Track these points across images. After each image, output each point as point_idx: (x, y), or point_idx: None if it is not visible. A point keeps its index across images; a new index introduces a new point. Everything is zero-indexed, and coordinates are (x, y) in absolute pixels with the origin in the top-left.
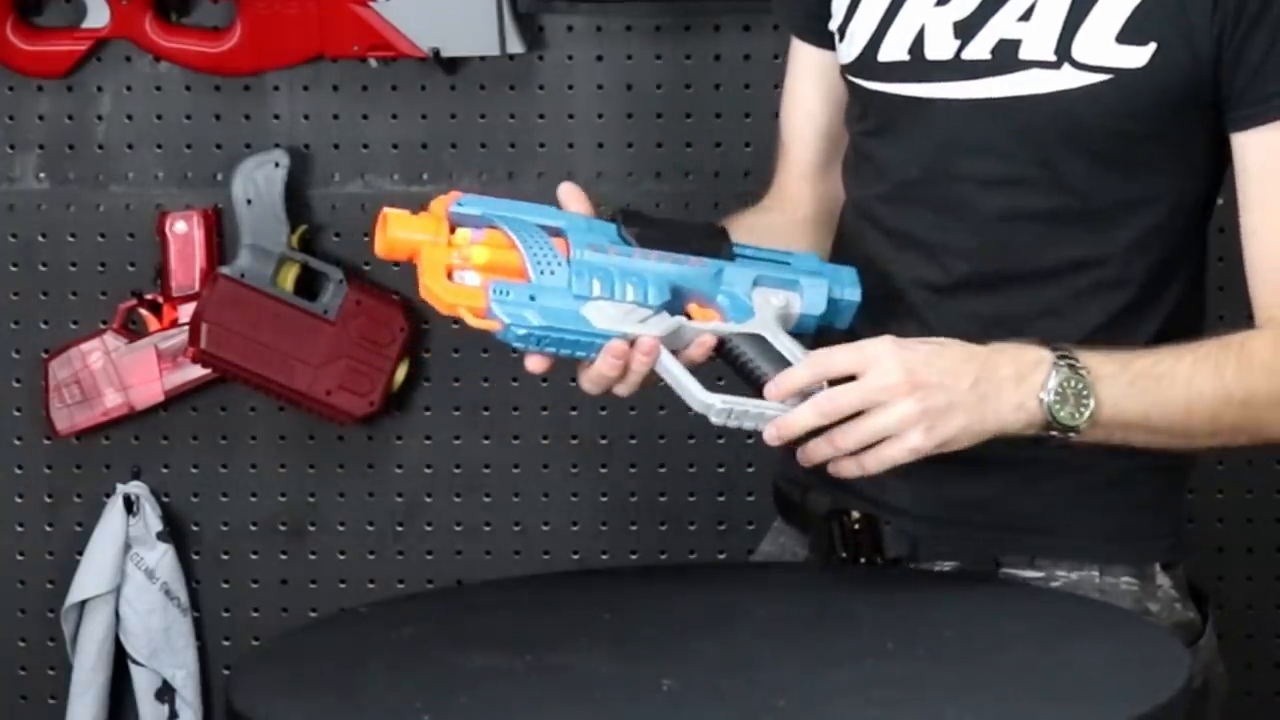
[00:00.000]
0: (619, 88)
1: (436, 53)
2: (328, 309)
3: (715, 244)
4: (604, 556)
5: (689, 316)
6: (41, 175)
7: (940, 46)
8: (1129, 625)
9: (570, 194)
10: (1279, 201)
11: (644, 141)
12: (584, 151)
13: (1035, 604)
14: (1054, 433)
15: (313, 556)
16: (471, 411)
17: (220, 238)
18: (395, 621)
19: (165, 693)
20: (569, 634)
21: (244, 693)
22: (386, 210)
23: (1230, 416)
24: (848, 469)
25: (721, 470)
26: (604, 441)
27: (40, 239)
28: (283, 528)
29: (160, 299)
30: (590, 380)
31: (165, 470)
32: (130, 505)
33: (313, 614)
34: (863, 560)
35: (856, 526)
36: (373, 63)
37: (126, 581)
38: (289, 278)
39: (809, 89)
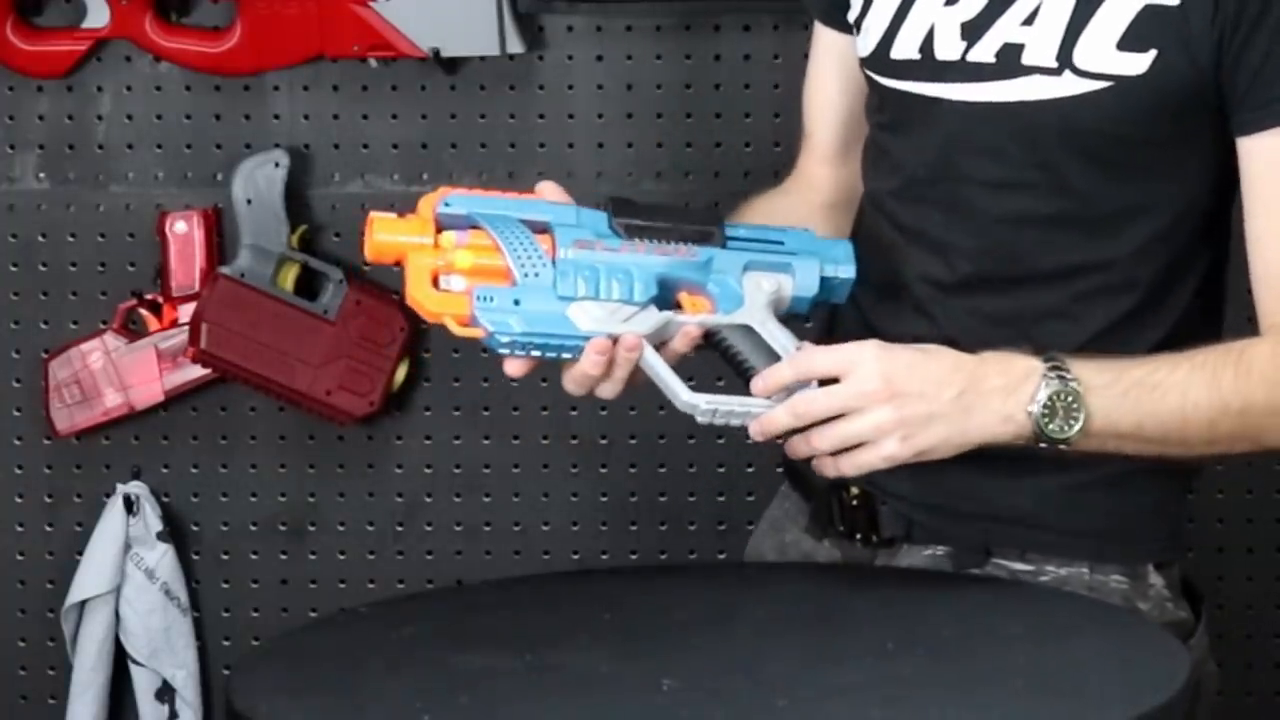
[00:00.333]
0: (619, 88)
1: (436, 53)
2: (328, 309)
3: (707, 229)
4: (604, 556)
5: (679, 305)
6: (41, 175)
7: (949, 47)
8: (1129, 625)
9: (551, 193)
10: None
11: (644, 141)
12: (584, 151)
13: (1035, 604)
14: (1043, 444)
15: (313, 556)
16: (471, 411)
17: (220, 238)
18: (395, 621)
19: (165, 693)
20: (569, 634)
21: (244, 693)
22: (373, 214)
23: (1227, 426)
24: (827, 469)
25: (721, 470)
26: (604, 441)
27: (40, 239)
28: (283, 528)
29: (160, 299)
30: (573, 380)
31: (165, 470)
32: (130, 505)
33: (313, 614)
34: (859, 537)
35: (854, 503)
36: (373, 63)
37: (126, 581)
38: (289, 278)
39: (830, 74)
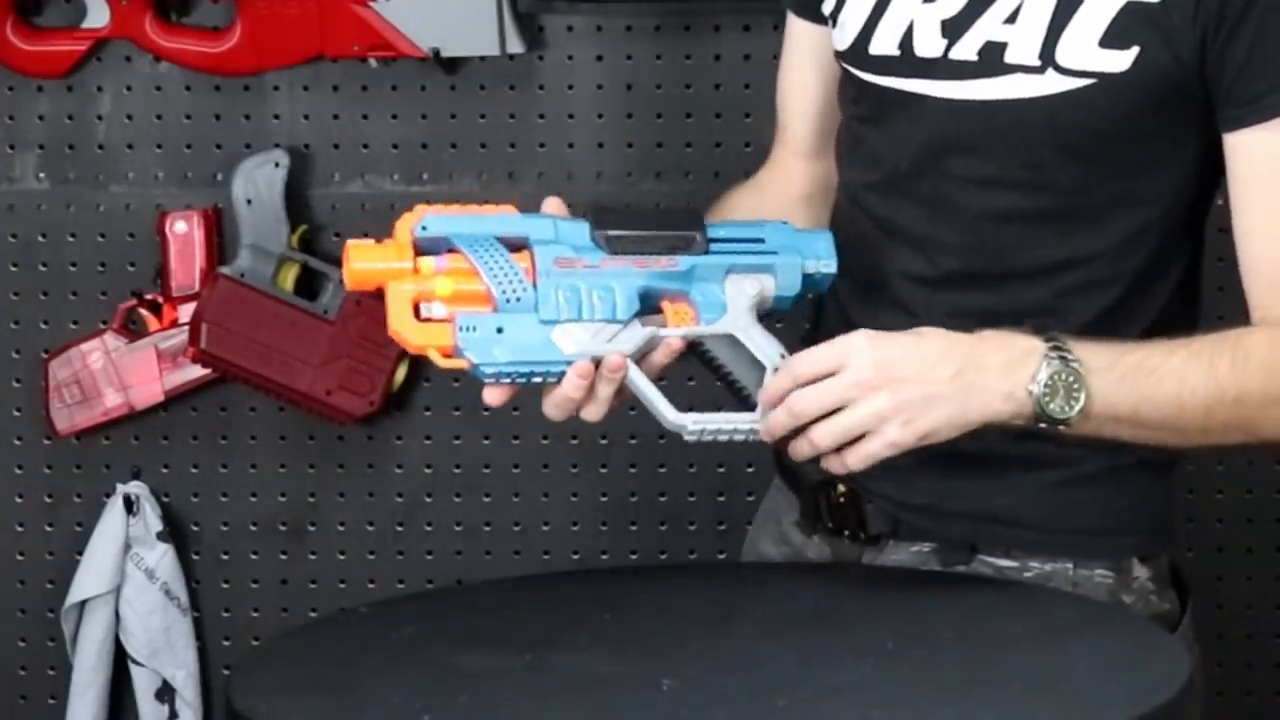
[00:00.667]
0: (619, 88)
1: (436, 53)
2: (328, 309)
3: (689, 235)
4: (604, 556)
5: (661, 312)
6: (41, 175)
7: (929, 44)
8: (1129, 625)
9: (555, 209)
10: (1271, 203)
11: (644, 141)
12: (584, 151)
13: (1035, 604)
14: (1043, 425)
15: (313, 556)
16: (471, 411)
17: (220, 238)
18: (395, 621)
19: (165, 693)
20: (569, 634)
21: (244, 693)
22: (349, 242)
23: (1223, 413)
24: (834, 466)
25: (721, 470)
26: (604, 441)
27: (40, 239)
28: (283, 528)
29: (160, 299)
30: (554, 404)
31: (165, 470)
32: (130, 505)
33: (313, 614)
34: (846, 533)
35: (841, 500)
36: (373, 63)
37: (126, 581)
38: (289, 278)
39: (805, 66)
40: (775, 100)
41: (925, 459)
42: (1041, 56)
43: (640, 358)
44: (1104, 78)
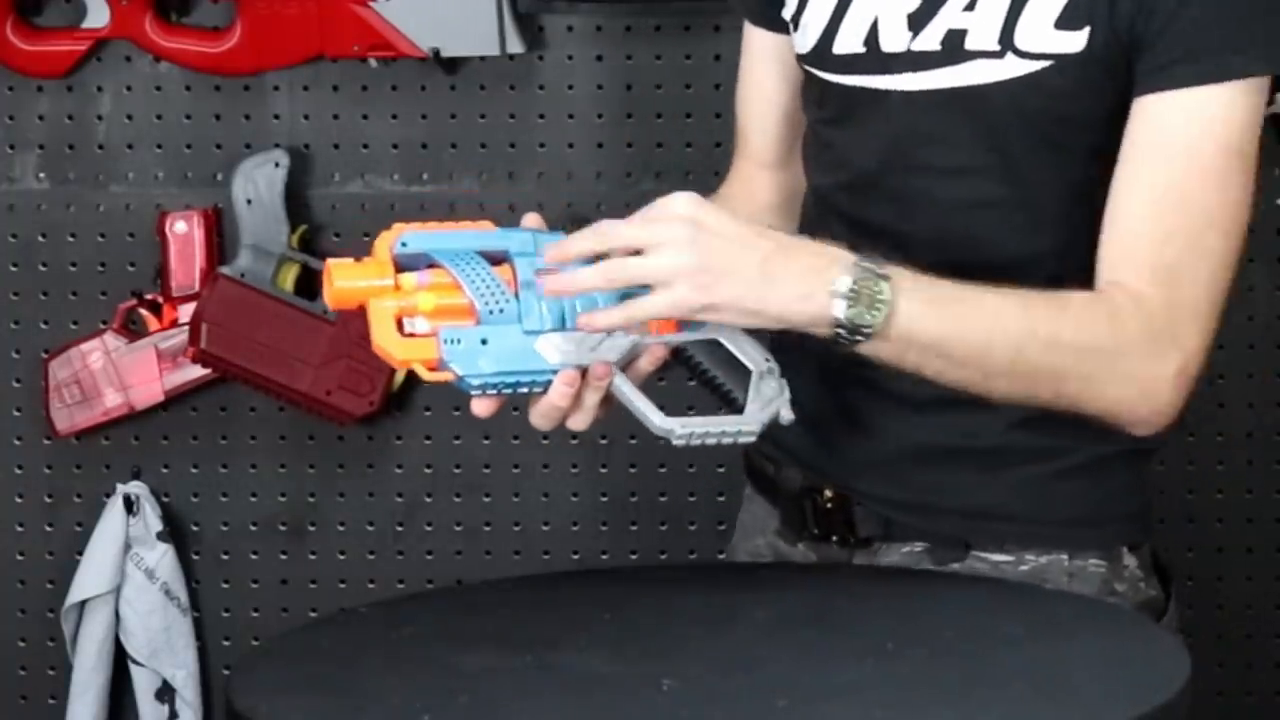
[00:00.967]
0: (619, 88)
1: (436, 53)
2: (328, 309)
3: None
4: (604, 556)
5: (644, 322)
6: (41, 175)
7: (894, 38)
8: (1130, 625)
9: (534, 224)
10: (1150, 170)
11: (644, 141)
12: (584, 151)
13: (1035, 604)
14: (841, 333)
15: (313, 556)
16: (471, 412)
17: (220, 238)
18: (395, 621)
19: (165, 693)
20: (569, 634)
21: (244, 693)
22: (330, 261)
23: (1032, 356)
24: (606, 319)
25: (721, 470)
26: (604, 441)
27: (40, 239)
28: (283, 528)
29: (160, 299)
30: (541, 414)
31: (165, 470)
32: (130, 505)
33: (313, 614)
34: (835, 538)
35: (829, 505)
36: (373, 63)
37: (126, 581)
38: (289, 278)
39: (766, 75)
40: (735, 111)
41: (916, 456)
42: (1001, 41)
43: (625, 365)
44: (1060, 59)
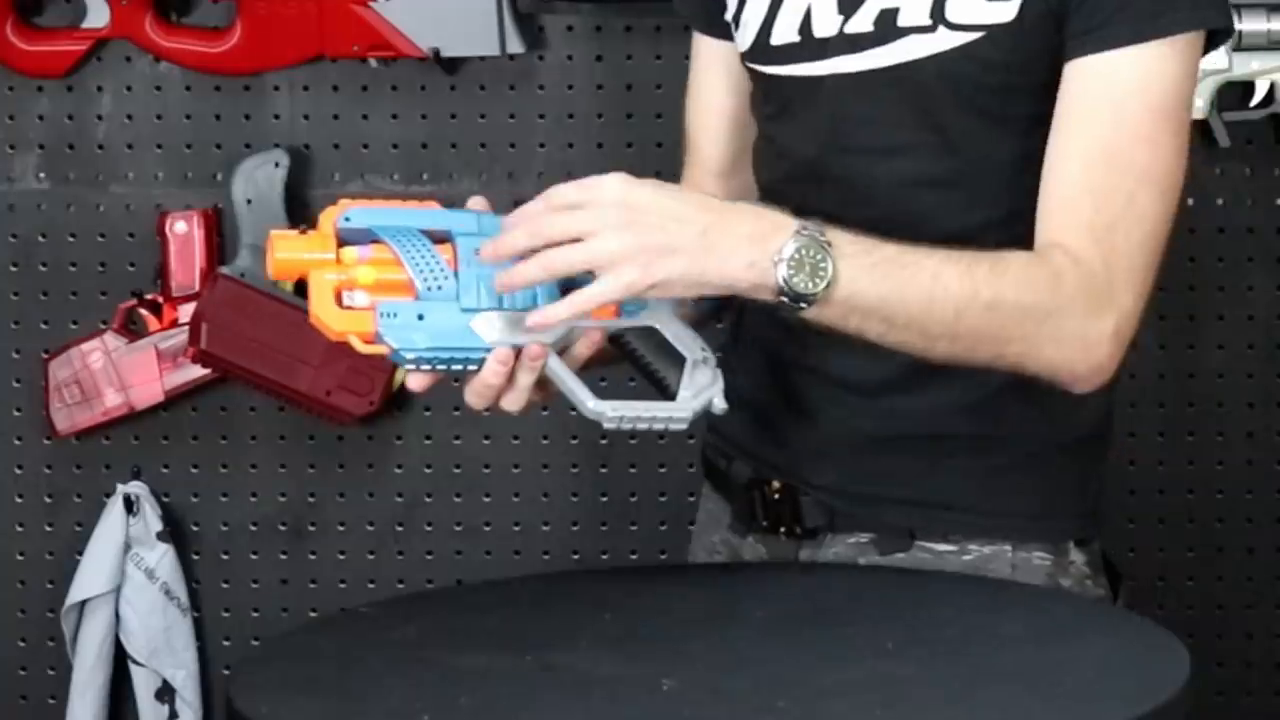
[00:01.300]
0: (619, 88)
1: (436, 53)
2: None
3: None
4: (604, 556)
5: None
6: (41, 175)
7: (826, 23)
8: (1129, 625)
9: (479, 206)
10: (1084, 128)
11: (644, 141)
12: (584, 151)
13: (1035, 604)
14: (784, 300)
15: (313, 556)
16: (471, 411)
17: (220, 238)
18: (395, 621)
19: (165, 693)
20: (569, 634)
21: (244, 693)
22: (272, 232)
23: (973, 318)
24: (555, 313)
25: None
26: (604, 442)
27: (40, 239)
28: (283, 528)
29: (160, 299)
30: (475, 392)
31: (165, 470)
32: (130, 505)
33: (313, 614)
34: (782, 530)
35: (776, 496)
36: (373, 63)
37: (126, 581)
38: None
39: (714, 83)
40: (685, 121)
41: (863, 444)
42: (932, 15)
43: (562, 350)
44: (992, 29)
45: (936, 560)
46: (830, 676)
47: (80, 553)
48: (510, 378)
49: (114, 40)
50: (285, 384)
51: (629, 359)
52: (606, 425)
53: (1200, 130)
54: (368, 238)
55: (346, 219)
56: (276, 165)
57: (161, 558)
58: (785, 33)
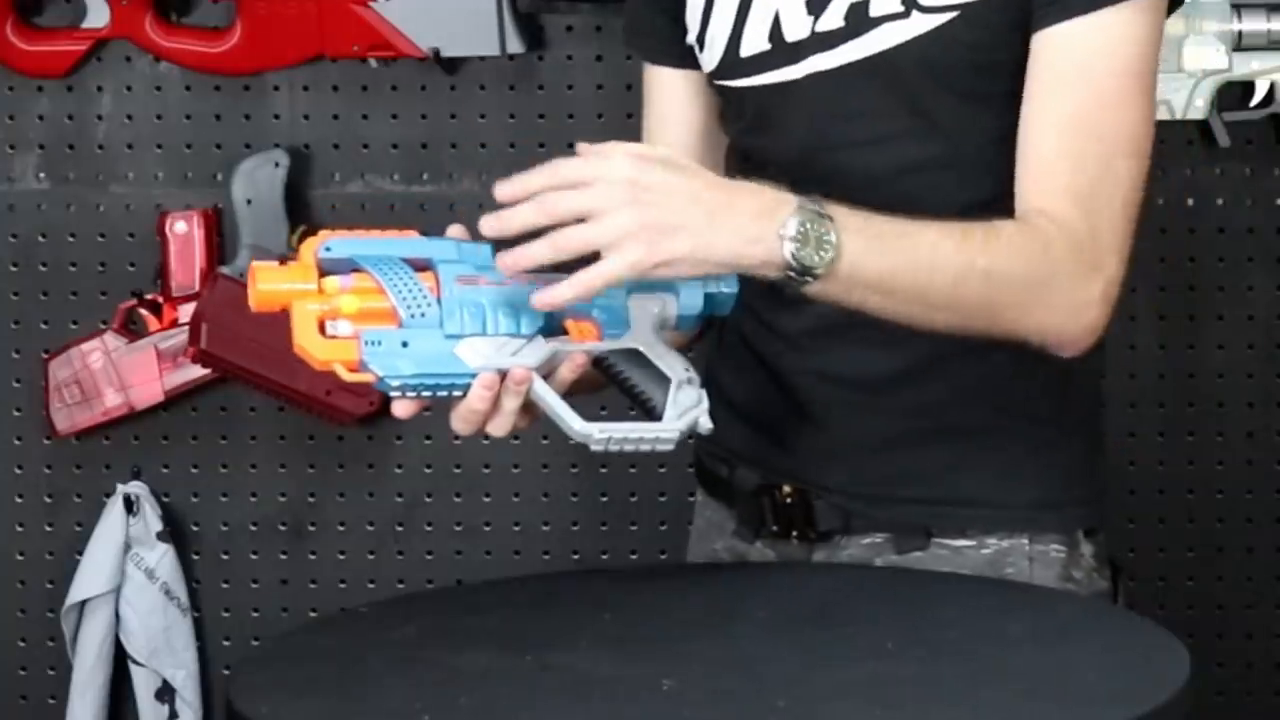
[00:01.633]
0: (619, 88)
1: (436, 53)
2: None
3: (592, 255)
4: (604, 556)
5: (566, 332)
6: (41, 175)
7: (796, 26)
8: (1129, 625)
9: (459, 234)
10: (1057, 93)
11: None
12: None
13: (1035, 604)
14: (791, 274)
15: (313, 556)
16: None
17: (220, 238)
18: (395, 621)
19: (165, 693)
20: (569, 634)
21: (244, 693)
22: (254, 263)
23: (972, 286)
24: (560, 293)
25: None
26: None
27: (40, 239)
28: (283, 528)
29: (160, 299)
30: (461, 417)
31: (165, 470)
32: (130, 505)
33: (313, 614)
34: (795, 534)
35: (788, 500)
36: (373, 63)
37: (126, 581)
38: None
39: (677, 110)
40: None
41: (874, 443)
42: (904, 2)
43: (547, 374)
44: (965, 9)
45: (955, 556)
46: (831, 677)
47: (80, 553)
48: (495, 402)
49: (114, 40)
50: (285, 384)
51: (613, 382)
52: (594, 447)
53: (1200, 130)
54: (349, 267)
55: (327, 249)
56: (276, 165)
57: (161, 558)
58: (755, 42)
